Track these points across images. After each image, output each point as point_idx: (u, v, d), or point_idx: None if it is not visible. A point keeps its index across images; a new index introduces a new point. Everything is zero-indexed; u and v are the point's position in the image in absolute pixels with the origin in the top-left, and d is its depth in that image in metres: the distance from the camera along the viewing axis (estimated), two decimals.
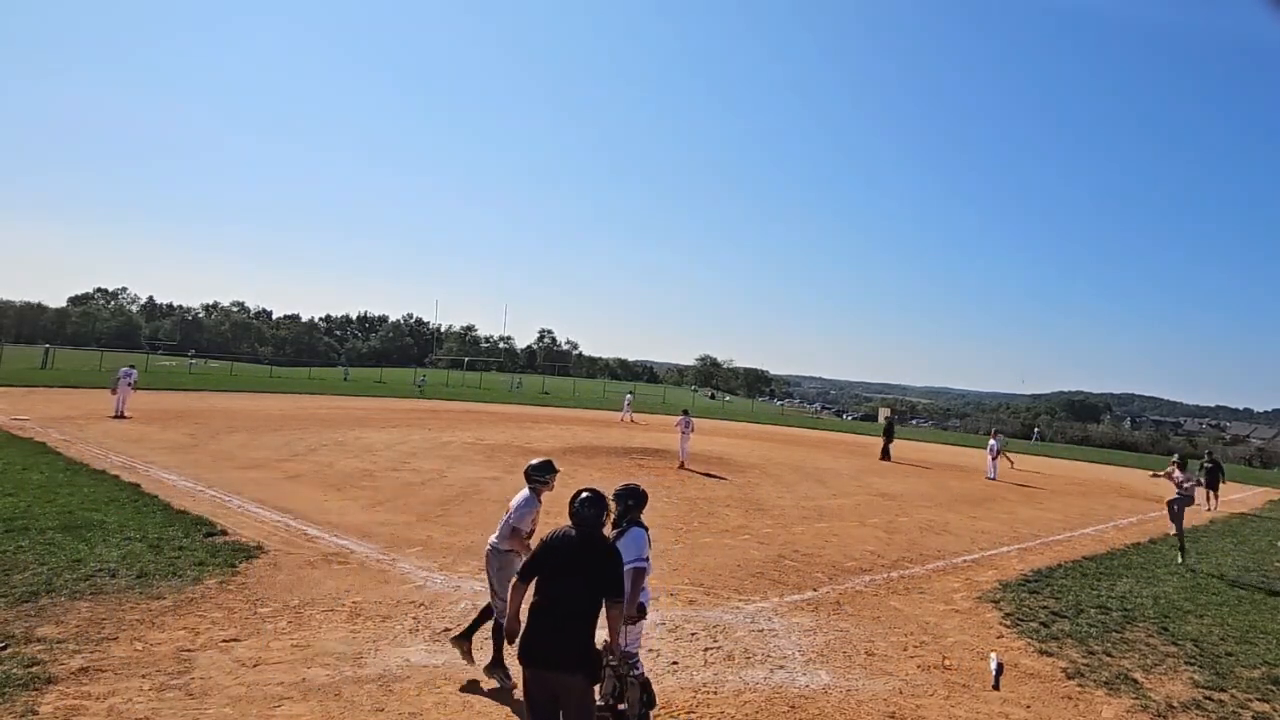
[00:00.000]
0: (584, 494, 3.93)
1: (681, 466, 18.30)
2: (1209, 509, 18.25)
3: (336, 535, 8.92)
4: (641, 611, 4.57)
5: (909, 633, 7.07)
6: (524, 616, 3.78)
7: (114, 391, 20.41)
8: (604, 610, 3.76)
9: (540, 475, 5.50)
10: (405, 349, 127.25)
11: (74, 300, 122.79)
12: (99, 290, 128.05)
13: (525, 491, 5.50)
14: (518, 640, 3.73)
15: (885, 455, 25.04)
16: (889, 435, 25.84)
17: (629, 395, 40.78)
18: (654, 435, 26.86)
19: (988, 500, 17.33)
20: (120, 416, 19.63)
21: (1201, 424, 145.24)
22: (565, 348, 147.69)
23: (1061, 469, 29.86)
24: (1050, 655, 6.69)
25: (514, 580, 3.93)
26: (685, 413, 19.99)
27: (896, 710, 5.31)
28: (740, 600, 7.59)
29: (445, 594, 7.07)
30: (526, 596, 3.84)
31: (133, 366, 23.05)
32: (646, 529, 4.82)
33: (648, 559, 4.70)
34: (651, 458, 19.80)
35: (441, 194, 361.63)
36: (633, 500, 4.81)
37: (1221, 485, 19.38)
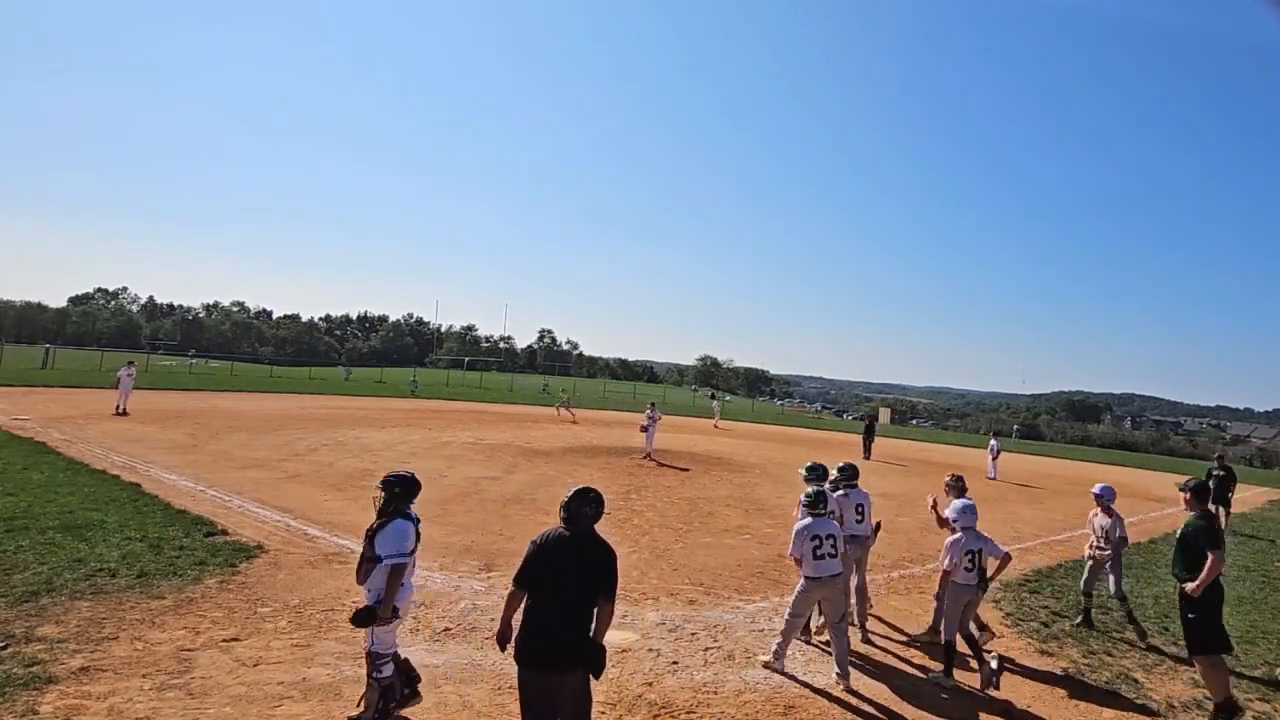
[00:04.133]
0: (578, 493, 3.87)
1: (646, 457, 19.03)
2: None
3: (336, 535, 8.92)
4: (396, 613, 4.40)
5: (909, 632, 7.06)
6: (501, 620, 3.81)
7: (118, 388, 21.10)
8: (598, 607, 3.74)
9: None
10: (405, 349, 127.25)
11: (74, 300, 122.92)
12: (99, 290, 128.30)
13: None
14: (514, 642, 3.71)
15: (867, 454, 25.25)
16: (870, 435, 26.17)
17: (715, 402, 41.40)
18: (660, 435, 26.81)
19: (988, 500, 17.32)
20: (122, 413, 20.13)
21: (1202, 424, 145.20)
22: (565, 348, 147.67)
23: (1062, 469, 29.85)
24: (1050, 655, 6.69)
25: (510, 590, 3.81)
26: (653, 405, 20.37)
27: (897, 710, 5.31)
28: (740, 600, 7.59)
29: (445, 594, 7.07)
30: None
31: (131, 363, 23.24)
32: (415, 520, 4.57)
33: (410, 553, 4.44)
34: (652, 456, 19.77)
35: (441, 194, 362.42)
36: (400, 488, 4.55)
37: (1233, 495, 15.31)
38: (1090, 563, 7.67)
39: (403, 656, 4.65)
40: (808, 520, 5.95)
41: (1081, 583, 7.75)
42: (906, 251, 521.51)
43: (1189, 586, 5.37)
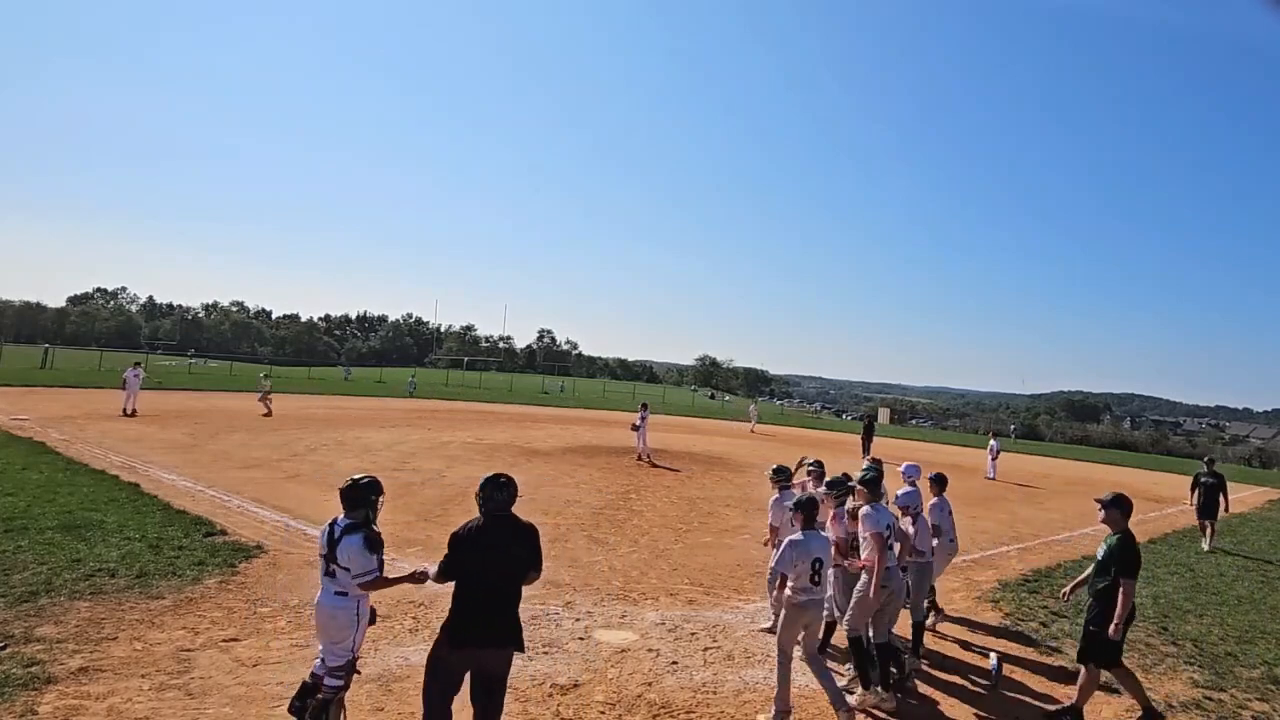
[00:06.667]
0: (490, 480, 4.02)
1: (639, 458, 18.83)
2: (1208, 545, 12.86)
3: None
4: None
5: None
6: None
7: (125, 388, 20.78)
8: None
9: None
10: (405, 349, 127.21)
11: (73, 300, 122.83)
12: (98, 290, 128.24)
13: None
14: (445, 625, 3.90)
15: (866, 454, 25.27)
16: (869, 434, 26.17)
17: (753, 406, 41.54)
18: (659, 435, 26.84)
19: (988, 500, 17.33)
20: (128, 414, 20.00)
21: (1201, 424, 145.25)
22: (565, 347, 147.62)
23: (1061, 469, 29.87)
24: (1049, 655, 6.69)
25: (446, 581, 3.98)
26: (644, 405, 20.45)
27: (896, 709, 5.31)
28: (740, 600, 7.59)
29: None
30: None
31: (138, 364, 23.07)
32: (364, 533, 4.09)
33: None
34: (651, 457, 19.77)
35: (441, 194, 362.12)
36: (362, 494, 4.20)
37: (1223, 508, 13.33)
38: None
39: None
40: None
41: None
42: (906, 251, 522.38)
43: (1110, 629, 5.08)
